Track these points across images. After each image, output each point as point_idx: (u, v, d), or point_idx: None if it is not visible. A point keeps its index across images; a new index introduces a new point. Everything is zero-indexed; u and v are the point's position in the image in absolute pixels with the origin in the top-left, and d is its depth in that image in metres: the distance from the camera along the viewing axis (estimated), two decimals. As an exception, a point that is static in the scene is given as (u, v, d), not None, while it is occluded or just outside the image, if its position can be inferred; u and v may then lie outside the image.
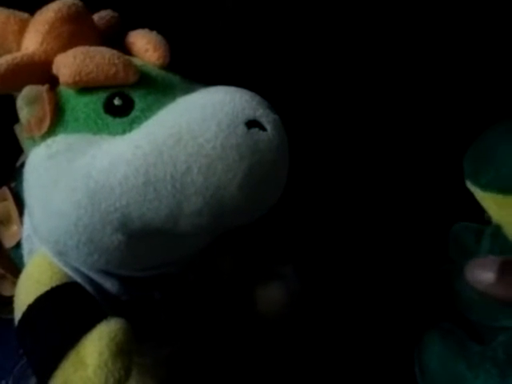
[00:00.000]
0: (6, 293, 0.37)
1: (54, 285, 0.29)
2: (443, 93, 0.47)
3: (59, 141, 0.28)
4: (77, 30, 0.30)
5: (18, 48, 0.30)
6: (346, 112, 0.48)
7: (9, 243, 0.34)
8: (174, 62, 0.30)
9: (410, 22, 0.46)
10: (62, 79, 0.28)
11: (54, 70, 0.29)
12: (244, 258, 0.36)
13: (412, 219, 0.46)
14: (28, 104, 0.28)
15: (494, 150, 0.35)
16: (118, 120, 0.28)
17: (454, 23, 0.46)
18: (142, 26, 0.32)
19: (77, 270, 0.29)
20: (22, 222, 0.33)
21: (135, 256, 0.28)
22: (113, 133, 0.27)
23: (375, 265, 0.44)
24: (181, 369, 0.35)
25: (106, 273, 0.29)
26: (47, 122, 0.28)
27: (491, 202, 0.35)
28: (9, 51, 0.30)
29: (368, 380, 0.39)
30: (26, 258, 0.32)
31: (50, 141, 0.28)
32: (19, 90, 0.28)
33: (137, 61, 0.30)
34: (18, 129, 0.31)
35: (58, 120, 0.28)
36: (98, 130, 0.28)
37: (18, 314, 0.29)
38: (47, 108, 0.28)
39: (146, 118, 0.28)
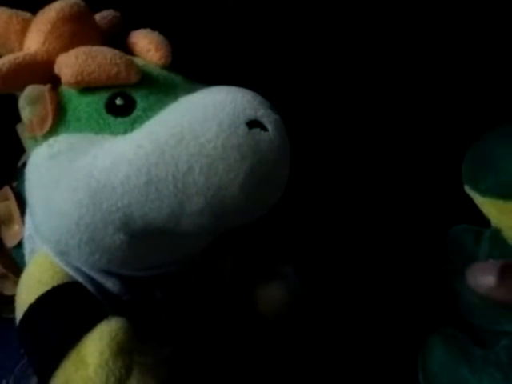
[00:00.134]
0: (8, 292, 0.37)
1: (55, 284, 0.29)
2: (442, 97, 0.47)
3: (61, 140, 0.28)
4: (79, 29, 0.30)
5: (20, 48, 0.30)
6: (347, 113, 0.48)
7: (10, 243, 0.34)
8: (175, 62, 0.30)
9: (410, 26, 0.46)
10: (64, 79, 0.28)
11: (56, 69, 0.29)
12: (245, 258, 0.36)
13: (411, 220, 0.46)
14: (30, 104, 0.28)
15: (492, 155, 0.35)
16: (119, 120, 0.28)
17: (452, 29, 0.45)
18: (144, 26, 0.32)
19: (78, 270, 0.29)
20: (23, 222, 0.33)
21: (137, 256, 0.28)
22: (114, 132, 0.27)
23: (375, 265, 0.44)
24: (182, 368, 0.35)
25: (108, 272, 0.29)
26: (49, 122, 0.28)
27: (491, 207, 0.35)
28: (11, 51, 0.30)
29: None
30: (27, 258, 0.32)
31: (51, 140, 0.28)
32: (21, 89, 0.28)
33: (139, 61, 0.30)
34: (20, 128, 0.31)
35: (59, 120, 0.28)
36: (99, 129, 0.28)
37: (19, 313, 0.29)
38: (49, 108, 0.28)
39: (148, 117, 0.28)
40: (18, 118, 0.29)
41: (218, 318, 0.36)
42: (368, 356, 0.39)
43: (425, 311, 0.39)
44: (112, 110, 0.28)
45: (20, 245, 0.33)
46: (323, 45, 0.46)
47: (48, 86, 0.28)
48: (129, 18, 0.33)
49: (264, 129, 0.26)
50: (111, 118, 0.28)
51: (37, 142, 0.28)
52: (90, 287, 0.29)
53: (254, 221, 0.28)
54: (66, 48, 0.29)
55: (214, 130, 0.25)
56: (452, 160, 0.37)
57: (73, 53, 0.28)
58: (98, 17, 0.33)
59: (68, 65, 0.28)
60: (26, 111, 0.28)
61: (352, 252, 0.45)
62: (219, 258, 0.35)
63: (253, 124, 0.26)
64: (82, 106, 0.28)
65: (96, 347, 0.25)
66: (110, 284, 0.30)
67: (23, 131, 0.30)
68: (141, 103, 0.28)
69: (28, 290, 0.29)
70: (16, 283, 0.30)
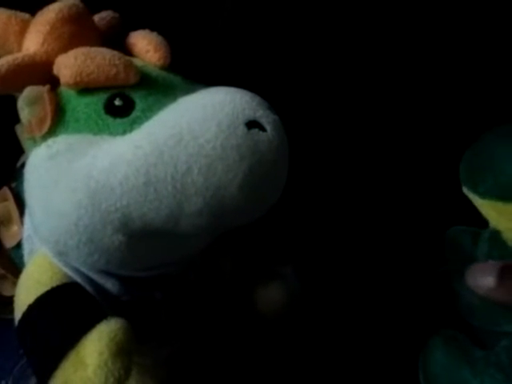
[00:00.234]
0: (7, 293, 0.37)
1: (54, 285, 0.29)
2: (441, 98, 0.47)
3: (60, 141, 0.28)
4: (78, 30, 0.30)
5: (19, 49, 0.30)
6: (346, 113, 0.48)
7: (9, 243, 0.34)
8: (174, 63, 0.30)
9: (408, 28, 0.46)
10: (62, 80, 0.28)
11: (55, 70, 0.29)
12: (244, 258, 0.36)
13: (410, 221, 0.46)
14: (29, 104, 0.28)
15: (491, 156, 0.35)
16: (118, 120, 0.28)
17: (450, 29, 0.45)
18: (143, 27, 0.32)
19: (77, 271, 0.29)
20: (22, 223, 0.33)
21: (135, 256, 0.28)
22: (113, 133, 0.27)
23: (375, 266, 0.44)
24: (181, 369, 0.35)
25: (107, 273, 0.29)
26: (48, 123, 0.28)
27: (490, 209, 0.35)
28: (10, 52, 0.30)
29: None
30: (26, 258, 0.32)
31: (50, 141, 0.28)
32: (20, 90, 0.28)
33: (137, 61, 0.30)
34: (19, 129, 0.31)
35: (58, 120, 0.28)
36: (98, 130, 0.28)
37: (18, 314, 0.29)
38: (48, 108, 0.28)
39: (147, 118, 0.28)
40: (16, 119, 0.29)
41: (218, 318, 0.36)
42: (368, 357, 0.39)
43: (424, 312, 0.39)
44: (111, 110, 0.28)
45: (19, 245, 0.33)
46: (322, 45, 0.46)
47: (47, 87, 0.28)
48: (127, 18, 0.33)
49: (263, 129, 0.26)
50: (110, 119, 0.28)
51: (36, 142, 0.28)
52: (88, 288, 0.29)
53: (254, 221, 0.28)
54: (64, 49, 0.29)
55: (213, 131, 0.25)
56: (450, 161, 0.37)
57: (72, 54, 0.28)
58: (96, 18, 0.33)
59: (67, 66, 0.28)
60: (24, 112, 0.28)
61: (351, 253, 0.45)
62: (219, 259, 0.35)
63: (252, 124, 0.26)
64: (81, 106, 0.28)
65: (95, 348, 0.25)
66: (109, 284, 0.30)
67: (22, 132, 0.30)
68: (140, 104, 0.28)
69: (27, 291, 0.29)
70: (15, 284, 0.30)
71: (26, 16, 0.31)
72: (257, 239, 0.37)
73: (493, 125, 0.37)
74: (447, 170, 0.38)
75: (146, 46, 0.30)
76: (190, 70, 0.30)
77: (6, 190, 0.35)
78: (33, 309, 0.28)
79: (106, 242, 0.26)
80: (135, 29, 0.32)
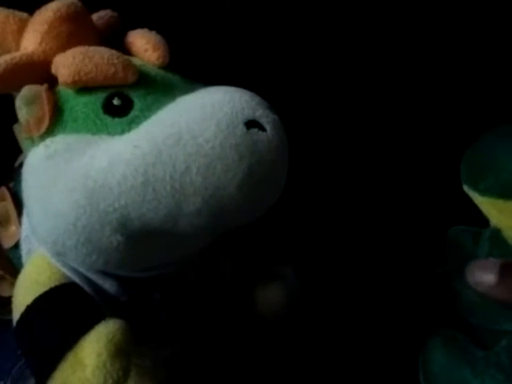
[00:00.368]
0: (5, 293, 0.37)
1: (52, 285, 0.28)
2: (441, 97, 0.47)
3: (58, 141, 0.27)
4: (76, 29, 0.30)
5: (17, 48, 0.30)
6: (346, 113, 0.47)
7: (7, 244, 0.34)
8: (173, 62, 0.30)
9: (408, 28, 0.46)
10: (60, 79, 0.28)
11: (53, 69, 0.29)
12: (244, 259, 0.36)
13: (410, 221, 0.46)
14: (27, 104, 0.28)
15: (491, 155, 0.35)
16: (116, 120, 0.28)
17: (450, 29, 0.45)
18: (142, 26, 0.31)
19: (75, 271, 0.29)
20: (20, 223, 0.33)
21: (134, 256, 0.28)
22: (112, 133, 0.27)
23: (375, 266, 0.44)
24: (180, 370, 0.35)
25: (105, 273, 0.29)
26: (46, 122, 0.28)
27: (491, 207, 0.35)
28: (8, 51, 0.30)
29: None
30: (24, 259, 0.32)
31: (48, 141, 0.28)
32: (18, 89, 0.28)
33: (136, 61, 0.30)
34: (16, 129, 0.31)
35: (56, 120, 0.28)
36: (96, 130, 0.28)
37: (16, 314, 0.29)
38: (46, 108, 0.28)
39: (146, 117, 0.27)
40: (14, 119, 0.29)
41: (217, 319, 0.36)
42: (368, 358, 0.39)
43: (424, 313, 0.39)
44: (109, 110, 0.28)
45: (17, 246, 0.33)
46: (322, 44, 0.46)
47: (45, 86, 0.28)
48: (126, 17, 0.33)
49: (262, 129, 0.26)
50: (108, 119, 0.28)
51: (34, 142, 0.28)
52: (87, 288, 0.29)
53: (253, 221, 0.28)
54: (62, 48, 0.29)
55: (212, 130, 0.25)
56: (451, 161, 0.37)
57: (70, 53, 0.28)
58: (95, 17, 0.33)
59: (65, 65, 0.28)
60: (22, 111, 0.28)
61: (351, 253, 0.45)
62: (218, 259, 0.35)
63: (251, 124, 0.26)
64: (79, 106, 0.28)
65: (93, 349, 0.25)
66: (108, 285, 0.29)
67: (20, 131, 0.30)
68: (138, 103, 0.28)
69: (25, 291, 0.29)
70: (13, 284, 0.30)
71: (24, 15, 0.31)
72: (257, 239, 0.37)
73: (493, 125, 0.37)
74: (448, 169, 0.38)
75: (145, 45, 0.30)
76: (189, 69, 0.30)
77: (3, 189, 0.34)
78: (31, 309, 0.28)
79: (105, 242, 0.26)
80: (134, 28, 0.32)
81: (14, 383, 0.37)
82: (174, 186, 0.25)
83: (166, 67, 0.30)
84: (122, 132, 0.27)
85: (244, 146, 0.25)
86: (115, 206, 0.25)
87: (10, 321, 0.29)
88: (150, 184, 0.25)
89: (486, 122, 0.37)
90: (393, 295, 0.42)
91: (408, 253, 0.44)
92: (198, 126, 0.25)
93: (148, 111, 0.28)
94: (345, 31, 0.46)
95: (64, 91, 0.29)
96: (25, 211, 0.32)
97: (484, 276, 0.33)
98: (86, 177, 0.26)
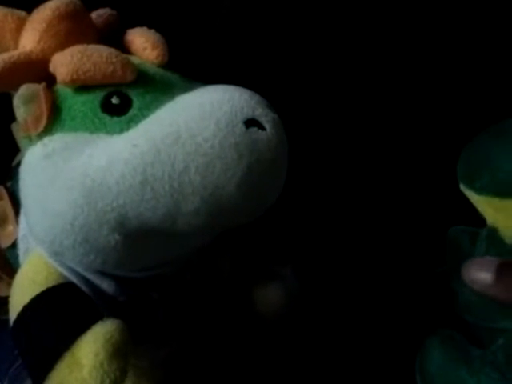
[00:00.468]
0: (2, 293, 0.36)
1: (49, 285, 0.28)
2: (438, 97, 0.47)
3: (56, 140, 0.27)
4: (74, 28, 0.29)
5: (16, 46, 0.30)
6: (345, 112, 0.47)
7: (4, 243, 0.34)
8: (172, 61, 0.30)
9: (405, 27, 0.46)
10: (59, 78, 0.28)
11: (51, 68, 0.28)
12: (243, 259, 0.36)
13: (409, 222, 0.46)
14: (25, 103, 0.28)
15: (487, 153, 0.35)
16: (115, 119, 0.27)
17: (446, 29, 0.45)
18: (141, 24, 0.31)
19: (73, 271, 0.29)
20: (17, 222, 0.33)
21: (132, 256, 0.27)
22: (110, 132, 0.27)
23: (373, 266, 0.44)
24: (178, 370, 0.35)
25: (103, 273, 0.29)
26: (44, 121, 0.28)
27: (487, 206, 0.35)
28: (6, 49, 0.30)
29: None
30: (21, 258, 0.32)
31: (46, 140, 0.27)
32: (16, 88, 0.28)
33: (135, 59, 0.29)
34: (15, 128, 0.31)
35: (54, 119, 0.28)
36: (95, 129, 0.27)
37: (13, 314, 0.28)
38: (44, 107, 0.28)
39: (144, 116, 0.27)
40: (13, 118, 0.29)
41: (216, 318, 0.36)
42: (366, 357, 0.39)
43: (422, 313, 0.39)
44: (108, 109, 0.28)
45: (14, 245, 0.33)
46: (321, 43, 0.46)
47: (43, 85, 0.28)
48: (125, 16, 0.33)
49: (262, 128, 0.26)
50: (107, 118, 0.27)
51: (31, 141, 0.28)
52: (84, 288, 0.29)
53: (253, 221, 0.28)
54: (61, 46, 0.29)
55: (211, 129, 0.25)
56: (449, 161, 0.37)
57: (68, 51, 0.28)
58: (94, 15, 0.32)
59: (63, 63, 0.28)
60: (20, 110, 0.28)
61: (350, 253, 0.45)
62: (217, 259, 0.35)
63: (250, 123, 0.26)
64: (78, 105, 0.28)
65: (91, 349, 0.25)
66: (106, 285, 0.29)
67: (18, 130, 0.30)
68: (137, 102, 0.28)
69: (22, 291, 0.29)
70: (10, 284, 0.30)
71: (23, 13, 0.30)
72: (256, 239, 0.37)
73: (490, 124, 0.37)
74: (446, 169, 0.38)
75: (144, 44, 0.30)
76: (188, 67, 0.30)
77: (1, 189, 0.34)
78: (27, 309, 0.28)
79: (102, 241, 0.26)
80: (133, 26, 0.32)
81: (11, 384, 0.37)
82: (172, 186, 0.25)
83: (165, 66, 0.30)
84: (121, 131, 0.27)
85: (243, 145, 0.25)
86: (113, 205, 0.25)
87: (7, 321, 0.29)
88: (148, 183, 0.25)
89: (484, 123, 0.37)
90: (391, 295, 0.42)
91: (406, 253, 0.44)
92: (196, 125, 0.25)
93: (147, 110, 0.27)
94: (343, 30, 0.46)
95: (62, 90, 0.29)
96: (22, 210, 0.31)
97: (481, 274, 0.33)
98: (84, 176, 0.25)
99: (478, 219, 0.36)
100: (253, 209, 0.27)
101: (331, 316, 0.41)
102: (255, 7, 0.45)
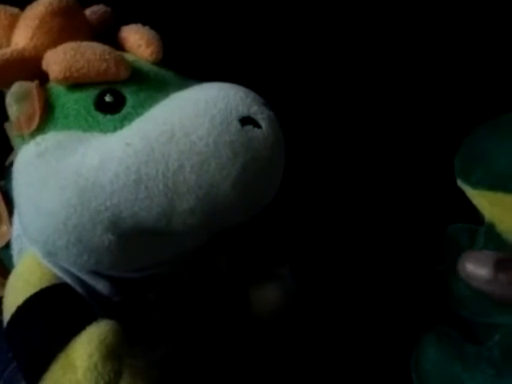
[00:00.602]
0: (-5, 294, 0.36)
1: (43, 286, 0.28)
2: (435, 94, 0.47)
3: (49, 138, 0.27)
4: (68, 24, 0.29)
5: (8, 43, 0.30)
6: (342, 109, 0.47)
7: (-2, 243, 0.34)
8: (166, 58, 0.30)
9: (403, 25, 0.45)
10: (52, 75, 0.28)
11: (44, 65, 0.28)
12: (240, 258, 0.36)
13: (407, 220, 0.46)
14: (17, 101, 0.27)
15: (483, 147, 0.35)
16: (108, 117, 0.27)
17: (444, 26, 0.45)
18: (135, 21, 0.31)
19: (67, 271, 0.29)
20: (11, 222, 0.32)
21: (126, 256, 0.27)
22: (104, 130, 0.27)
23: (371, 265, 0.44)
24: (174, 371, 0.35)
25: (97, 274, 0.29)
26: (36, 120, 0.27)
27: (482, 200, 0.35)
28: (-1, 47, 0.30)
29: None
30: (15, 258, 0.31)
31: (39, 138, 0.27)
32: (9, 86, 0.28)
33: (129, 56, 0.29)
34: (8, 126, 0.31)
35: (47, 117, 0.28)
36: (88, 127, 0.27)
37: (6, 315, 0.28)
38: (37, 105, 0.27)
39: (138, 114, 0.27)
40: (6, 116, 0.28)
41: (213, 319, 0.35)
42: (362, 355, 0.39)
43: (419, 310, 0.39)
44: (101, 107, 0.27)
45: (8, 246, 0.33)
46: (317, 41, 0.46)
47: (36, 83, 0.28)
48: (119, 12, 0.33)
49: (257, 126, 0.26)
50: (100, 116, 0.27)
51: (24, 140, 0.28)
52: (78, 289, 0.29)
53: (250, 220, 0.28)
54: (54, 43, 0.28)
55: (206, 127, 0.25)
56: (447, 159, 0.37)
57: (61, 48, 0.28)
58: (88, 12, 0.32)
59: (56, 61, 0.27)
60: (13, 108, 0.27)
61: (348, 252, 0.45)
62: (214, 258, 0.35)
63: (246, 121, 0.26)
64: (71, 103, 0.28)
65: (85, 350, 0.25)
66: (100, 285, 0.29)
67: (11, 129, 0.29)
68: (131, 100, 0.27)
69: (16, 292, 0.28)
70: (4, 285, 0.30)
71: (16, 10, 0.30)
72: (253, 239, 0.37)
73: (487, 119, 0.37)
74: (445, 167, 0.38)
75: (138, 41, 0.30)
76: (183, 65, 0.30)
77: (-6, 188, 0.34)
78: (21, 310, 0.27)
79: (96, 241, 0.26)
80: (127, 23, 0.31)
81: (6, 386, 0.37)
82: (166, 185, 0.24)
83: (159, 63, 0.30)
84: (114, 129, 0.27)
85: (238, 143, 0.25)
86: (107, 204, 0.25)
87: (1, 322, 0.29)
88: (142, 182, 0.25)
89: (481, 120, 0.37)
90: (390, 294, 0.42)
91: (405, 251, 0.44)
92: (191, 123, 0.25)
93: (141, 108, 0.27)
94: (340, 28, 0.46)
95: (55, 88, 0.28)
96: (16, 210, 0.31)
97: (477, 270, 0.33)
98: (77, 175, 0.25)
99: (477, 217, 0.36)
100: (248, 208, 0.27)
101: (328, 314, 0.41)
102: (250, 4, 0.45)
